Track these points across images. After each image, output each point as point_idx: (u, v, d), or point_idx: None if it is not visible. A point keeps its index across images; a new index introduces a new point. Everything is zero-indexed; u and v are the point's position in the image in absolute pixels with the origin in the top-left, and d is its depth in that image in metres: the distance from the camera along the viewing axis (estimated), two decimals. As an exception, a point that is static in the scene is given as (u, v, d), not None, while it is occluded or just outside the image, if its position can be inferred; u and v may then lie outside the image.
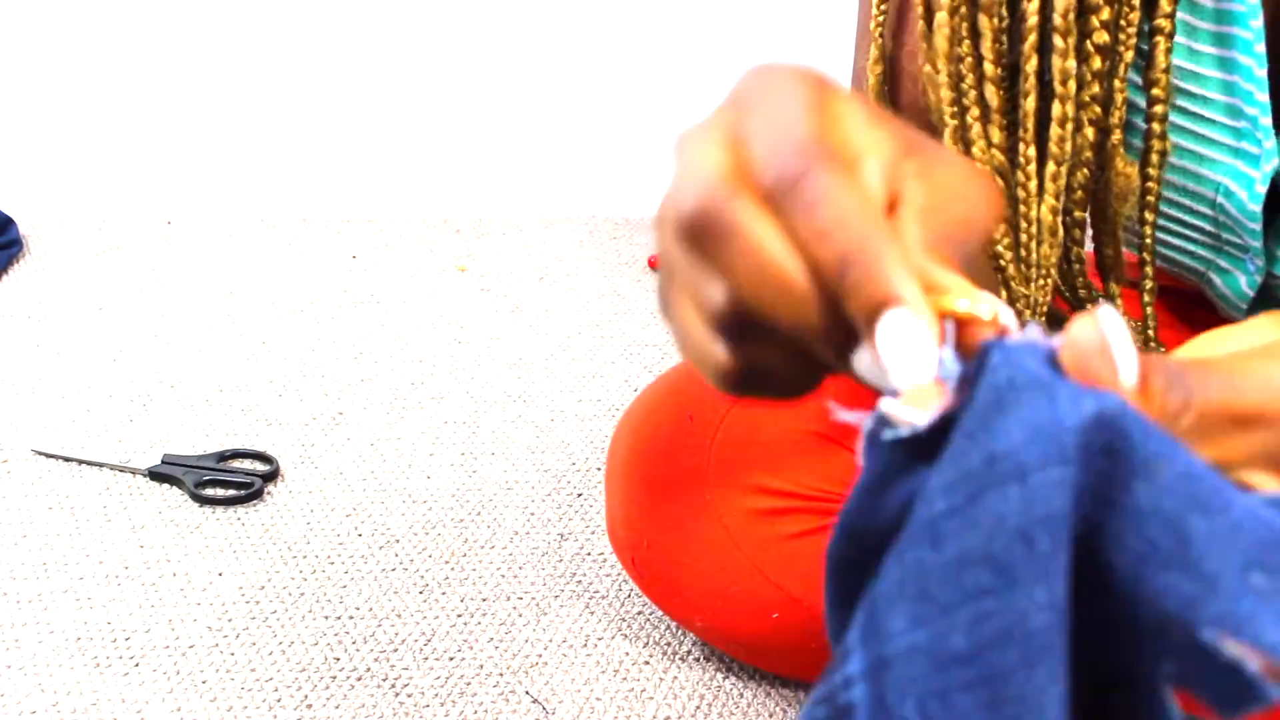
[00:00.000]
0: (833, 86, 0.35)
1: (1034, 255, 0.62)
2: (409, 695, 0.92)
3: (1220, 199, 0.64)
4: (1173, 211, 0.67)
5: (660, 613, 0.99)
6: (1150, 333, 0.70)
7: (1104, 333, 0.29)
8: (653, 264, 1.54)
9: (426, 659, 0.95)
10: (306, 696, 0.91)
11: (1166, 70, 0.59)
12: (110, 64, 1.63)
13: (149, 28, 1.61)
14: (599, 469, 1.16)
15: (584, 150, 1.68)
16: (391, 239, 1.61)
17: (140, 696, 0.91)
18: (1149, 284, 0.67)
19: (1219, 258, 0.68)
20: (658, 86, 1.65)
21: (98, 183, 1.66)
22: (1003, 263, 0.63)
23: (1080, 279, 0.66)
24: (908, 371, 0.30)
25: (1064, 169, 0.60)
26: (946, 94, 0.61)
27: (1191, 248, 0.68)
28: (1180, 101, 0.62)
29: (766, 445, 0.84)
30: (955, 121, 0.62)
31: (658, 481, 0.86)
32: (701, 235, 0.33)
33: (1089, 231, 0.66)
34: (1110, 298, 0.67)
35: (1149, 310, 0.68)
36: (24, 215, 1.60)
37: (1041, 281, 0.63)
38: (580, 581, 1.03)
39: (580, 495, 1.13)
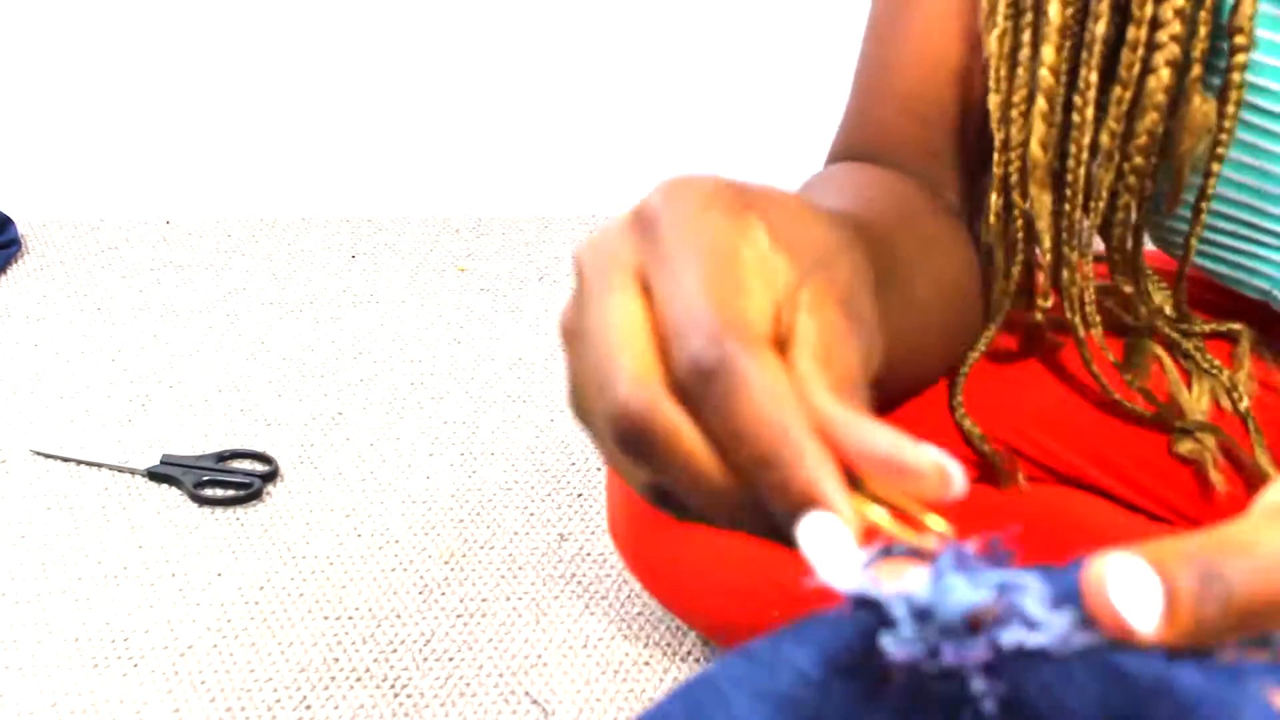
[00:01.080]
0: (738, 211, 0.36)
1: (1080, 180, 0.62)
2: (408, 696, 0.91)
3: None
4: (1244, 215, 0.66)
5: (660, 612, 0.99)
6: (1169, 310, 0.70)
7: (1110, 580, 0.28)
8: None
9: (426, 659, 0.95)
10: (305, 697, 0.91)
11: (1251, 17, 0.58)
12: (109, 64, 1.62)
13: (148, 28, 1.61)
14: (599, 469, 1.16)
15: (584, 150, 1.68)
16: (391, 239, 1.61)
17: (139, 697, 0.91)
18: (1194, 240, 0.65)
19: None
20: (658, 86, 1.65)
21: (96, 182, 1.66)
22: (1061, 188, 0.62)
23: (1121, 235, 0.65)
24: (831, 572, 0.31)
25: (1128, 94, 0.59)
26: None
27: (1264, 252, 0.67)
28: (1255, 99, 0.61)
29: None
30: (1007, 25, 0.61)
31: None
32: (628, 438, 0.34)
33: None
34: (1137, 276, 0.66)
35: (1182, 286, 0.68)
36: (23, 215, 1.60)
37: (1095, 204, 0.63)
38: (580, 581, 1.03)
39: (580, 495, 1.13)
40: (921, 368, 0.66)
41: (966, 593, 0.29)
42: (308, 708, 0.90)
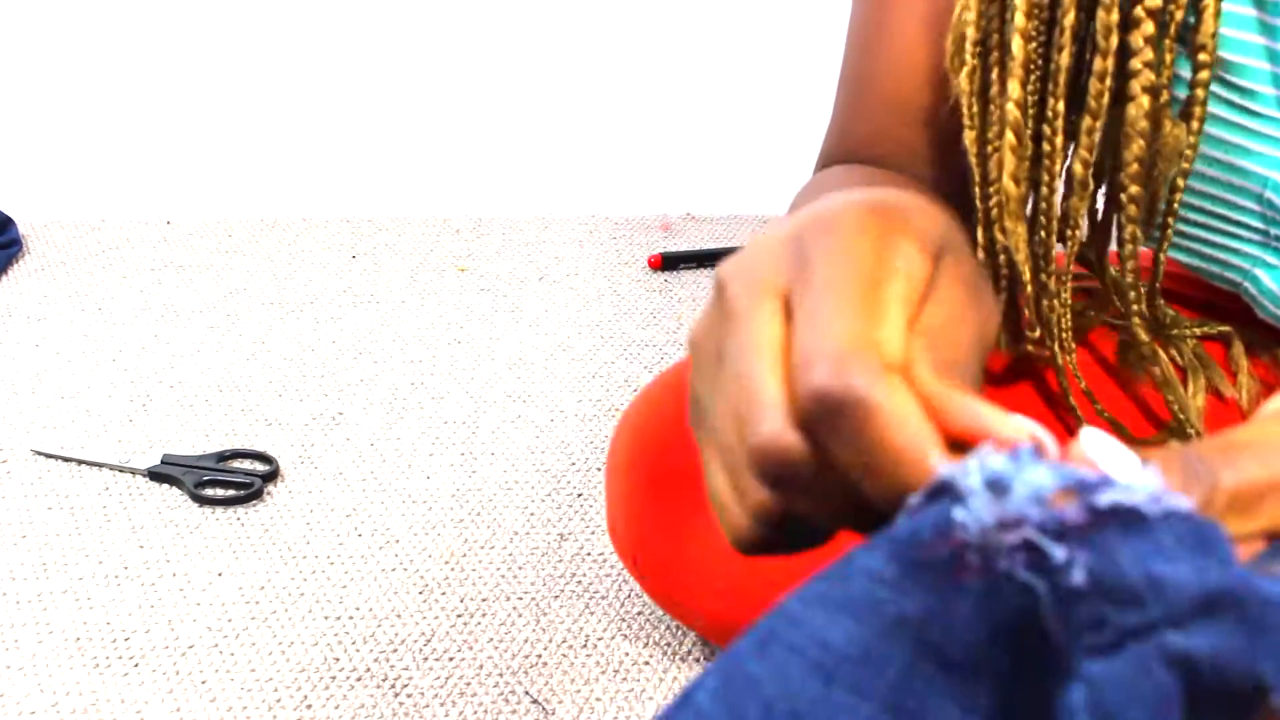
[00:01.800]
0: (888, 231, 0.36)
1: (1053, 209, 0.62)
2: (409, 695, 0.92)
3: (1269, 194, 0.63)
4: (1217, 209, 0.67)
5: (660, 612, 0.99)
6: (1142, 305, 0.70)
7: (1092, 457, 0.29)
8: (653, 264, 1.54)
9: (426, 659, 0.95)
10: (306, 697, 0.91)
11: (1214, 35, 0.58)
12: (110, 64, 1.63)
13: (149, 28, 1.61)
14: (599, 469, 1.16)
15: (584, 150, 1.68)
16: (391, 239, 1.61)
17: (140, 697, 0.91)
18: (1164, 253, 0.66)
19: (1266, 253, 0.68)
20: (658, 87, 1.65)
21: (97, 182, 1.66)
22: (1036, 216, 0.63)
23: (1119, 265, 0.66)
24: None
25: (1099, 124, 0.59)
26: (972, 33, 0.61)
27: (1236, 244, 0.68)
28: (1227, 94, 0.62)
29: None
30: (975, 63, 0.62)
31: (658, 480, 0.86)
32: (772, 469, 0.35)
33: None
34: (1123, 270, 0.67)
35: (1158, 282, 0.68)
36: (23, 215, 1.61)
37: (1073, 232, 0.63)
38: (580, 581, 1.03)
39: (580, 495, 1.13)
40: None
41: (1045, 474, 0.28)
42: (308, 707, 0.90)
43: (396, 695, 0.92)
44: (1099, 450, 0.29)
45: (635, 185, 1.69)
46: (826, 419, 0.33)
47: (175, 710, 0.90)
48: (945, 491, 0.30)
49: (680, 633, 0.98)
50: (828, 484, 0.34)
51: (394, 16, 1.62)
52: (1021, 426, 0.31)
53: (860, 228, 0.36)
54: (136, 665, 0.94)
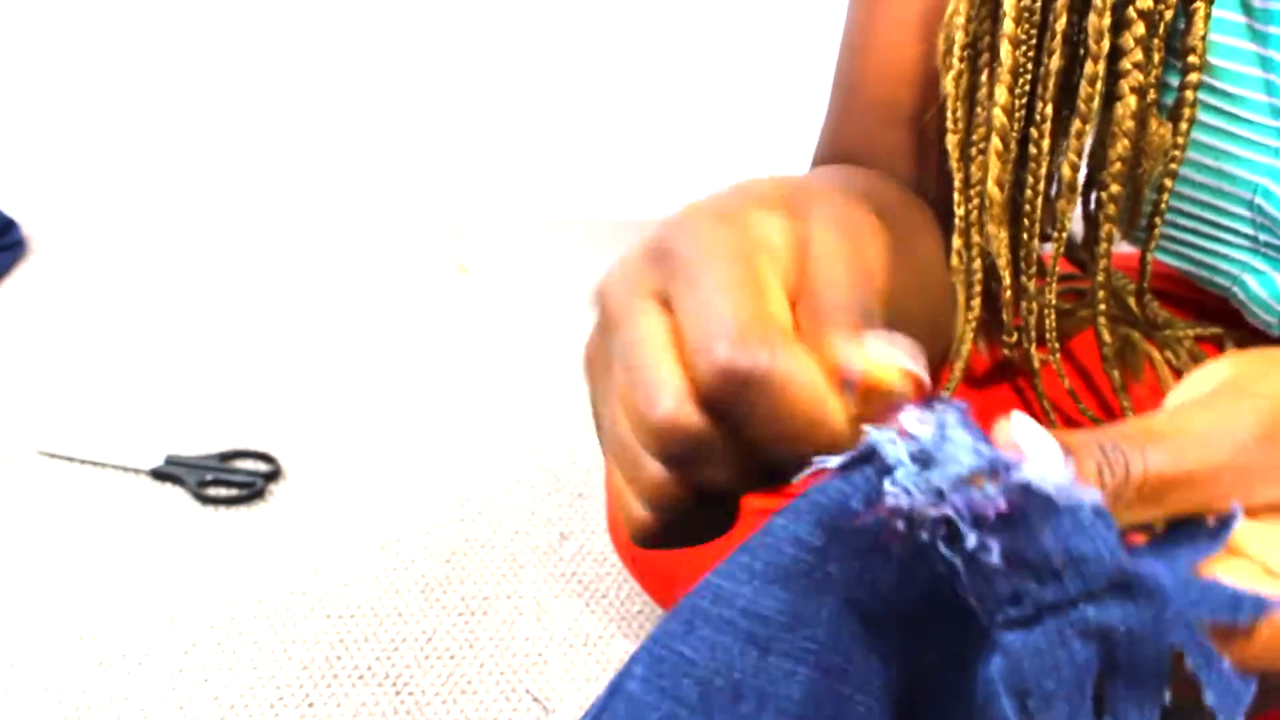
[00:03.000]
0: (746, 215, 0.37)
1: (1037, 211, 0.63)
2: (410, 694, 0.92)
3: (1259, 199, 0.64)
4: (1206, 214, 0.67)
5: (660, 611, 0.99)
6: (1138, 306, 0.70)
7: (1016, 441, 0.30)
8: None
9: (427, 658, 0.95)
10: (308, 695, 0.92)
11: (1204, 38, 0.59)
12: (112, 66, 1.63)
13: (150, 28, 1.62)
14: (599, 469, 1.17)
15: (584, 151, 1.68)
16: (391, 239, 1.62)
17: (143, 695, 0.92)
18: (1150, 254, 0.66)
19: (1254, 259, 0.68)
20: (658, 87, 1.66)
21: (100, 185, 1.67)
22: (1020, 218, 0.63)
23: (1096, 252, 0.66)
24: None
25: (1089, 127, 0.60)
26: (961, 37, 0.61)
27: (1225, 250, 0.68)
28: (1216, 101, 0.62)
29: None
30: (963, 66, 0.62)
31: None
32: (673, 448, 0.35)
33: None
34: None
35: (1145, 288, 0.69)
36: (26, 217, 1.61)
37: (1060, 234, 0.64)
38: (580, 580, 1.03)
39: (580, 495, 1.13)
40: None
41: (971, 450, 0.29)
42: (310, 706, 0.91)
43: (398, 693, 0.92)
44: (1022, 433, 0.30)
45: (635, 186, 1.69)
46: (733, 395, 0.33)
47: (178, 708, 0.90)
48: (869, 458, 0.31)
49: (680, 631, 0.98)
50: (728, 453, 0.35)
51: (394, 18, 1.62)
52: (893, 369, 0.32)
53: (716, 214, 0.36)
54: (140, 663, 0.94)
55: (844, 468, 0.31)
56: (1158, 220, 0.64)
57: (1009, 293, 0.66)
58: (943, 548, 0.29)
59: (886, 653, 0.31)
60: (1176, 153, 0.61)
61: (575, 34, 1.64)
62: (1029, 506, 0.29)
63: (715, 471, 0.36)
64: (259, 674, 0.94)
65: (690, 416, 0.34)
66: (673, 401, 0.34)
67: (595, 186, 1.69)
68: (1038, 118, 0.61)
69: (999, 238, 0.64)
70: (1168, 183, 0.63)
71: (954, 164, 0.63)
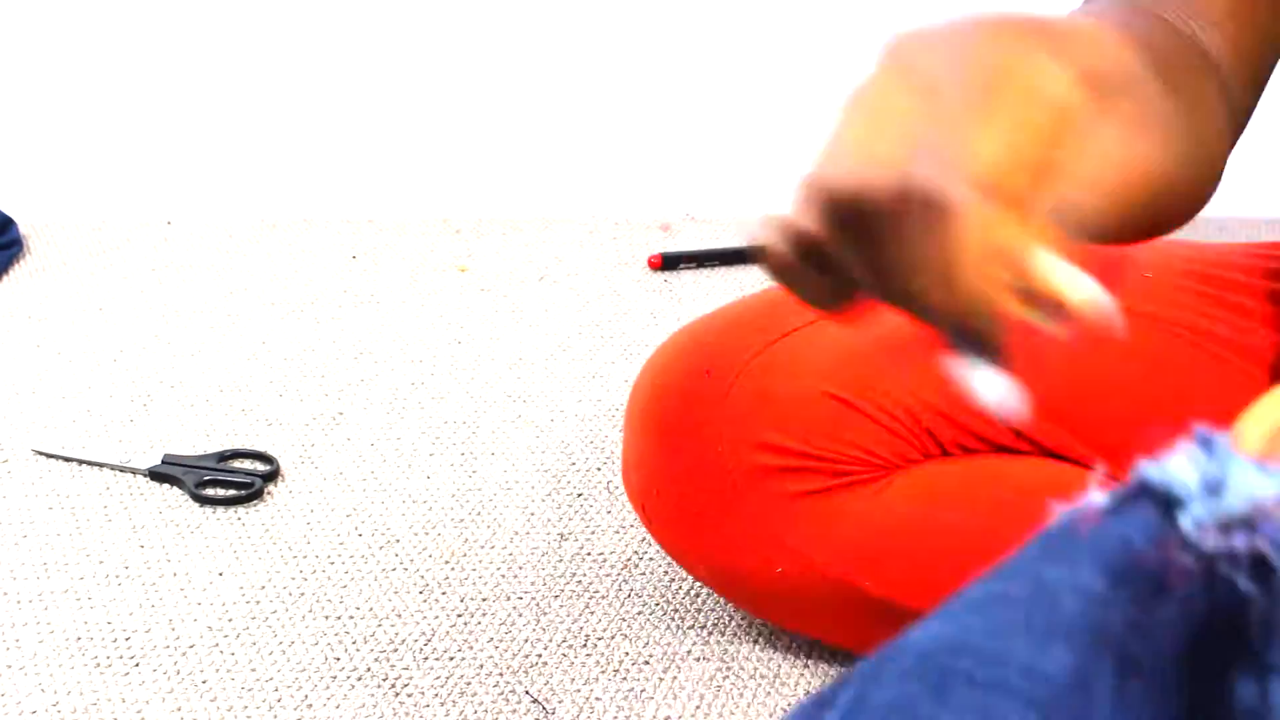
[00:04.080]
0: (1029, 41, 0.36)
1: None
2: (409, 695, 0.92)
3: None
4: None
5: (660, 612, 0.99)
6: None
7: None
8: (653, 264, 1.54)
9: (426, 659, 0.95)
10: (307, 696, 0.91)
11: None
12: (110, 64, 1.63)
13: (149, 28, 1.61)
14: (599, 469, 1.16)
15: (584, 150, 1.68)
16: (391, 239, 1.61)
17: (140, 696, 0.91)
18: None
19: None
20: (658, 87, 1.66)
21: (98, 183, 1.66)
22: None
23: None
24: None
25: None
26: None
27: None
28: None
29: (780, 403, 0.84)
30: None
31: (671, 431, 0.87)
32: (849, 211, 0.35)
33: None
34: None
35: None
36: (24, 215, 1.61)
37: None
38: (580, 581, 1.03)
39: (580, 495, 1.13)
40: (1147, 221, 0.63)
41: (1258, 477, 0.27)
42: (309, 707, 0.91)
43: (397, 695, 0.92)
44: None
45: (635, 185, 1.69)
46: (906, 208, 0.34)
47: (176, 710, 0.90)
48: (1146, 493, 0.29)
49: (680, 633, 0.98)
50: (877, 253, 0.35)
51: (394, 17, 1.62)
52: (1086, 292, 0.32)
53: (1016, 41, 0.36)
54: (137, 665, 0.94)
55: (1116, 506, 0.29)
56: None
57: None
58: (1243, 580, 0.27)
59: (1159, 712, 0.29)
60: None
61: (575, 34, 1.63)
62: None
63: (855, 250, 0.36)
64: (257, 675, 0.93)
65: (863, 190, 0.35)
66: (854, 170, 0.35)
67: (595, 186, 1.69)
68: None
69: None
70: None
71: None
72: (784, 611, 0.91)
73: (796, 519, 0.84)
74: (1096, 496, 0.29)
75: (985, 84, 0.35)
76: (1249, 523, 0.27)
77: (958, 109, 0.34)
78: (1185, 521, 0.27)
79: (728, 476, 0.85)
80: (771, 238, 0.38)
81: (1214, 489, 0.28)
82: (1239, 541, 0.27)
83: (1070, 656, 0.27)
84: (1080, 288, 0.32)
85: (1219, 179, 0.60)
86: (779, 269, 0.39)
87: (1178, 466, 0.28)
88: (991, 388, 0.33)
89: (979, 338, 0.33)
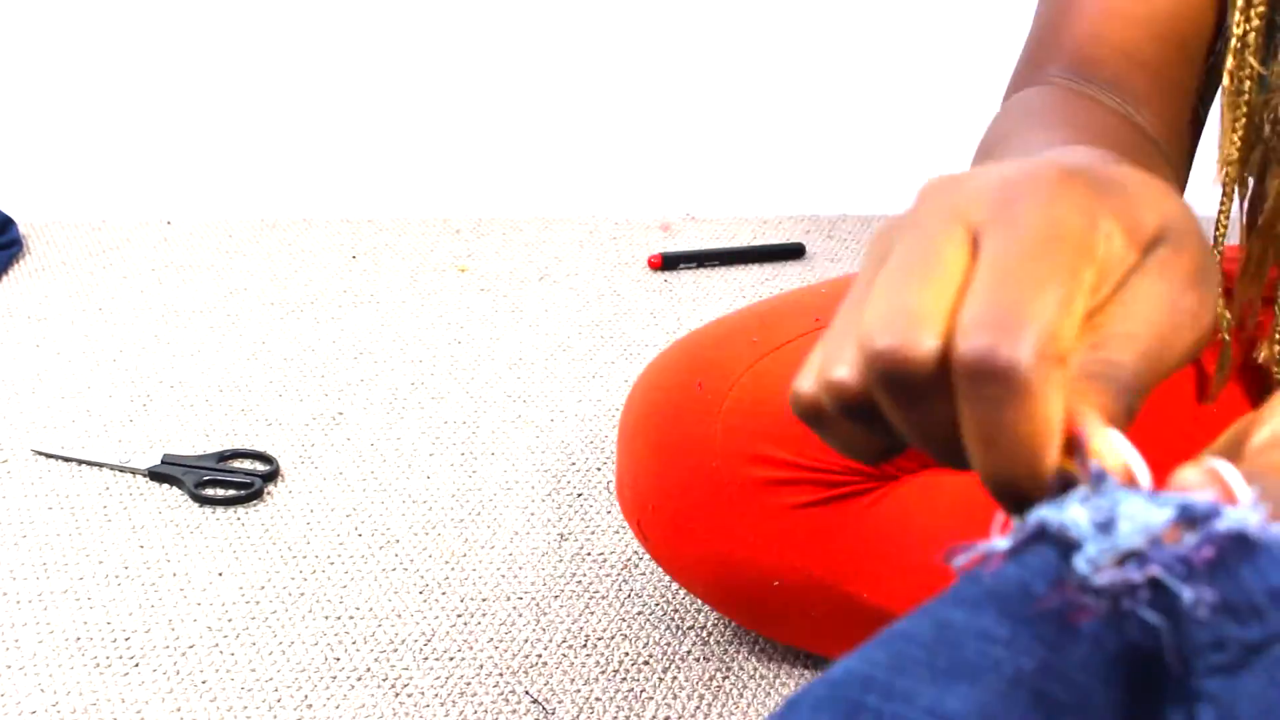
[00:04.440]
0: (1093, 196, 0.34)
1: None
2: (409, 695, 0.92)
3: None
4: None
5: (660, 612, 0.99)
6: None
7: (1219, 477, 0.29)
8: (653, 264, 1.54)
9: (426, 659, 0.95)
10: (307, 696, 0.91)
11: None
12: (110, 64, 1.63)
13: (149, 27, 1.61)
14: (599, 469, 1.16)
15: (584, 150, 1.68)
16: (391, 239, 1.61)
17: (140, 696, 0.91)
18: None
19: None
20: (657, 87, 1.66)
21: (97, 182, 1.66)
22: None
23: None
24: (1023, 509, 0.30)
25: None
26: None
27: None
28: None
29: (774, 416, 0.84)
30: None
31: (665, 446, 0.86)
32: (893, 378, 0.33)
33: None
34: None
35: None
36: (24, 215, 1.61)
37: None
38: (580, 581, 1.03)
39: (580, 495, 1.13)
40: None
41: (1149, 508, 0.28)
42: (309, 707, 0.91)
43: (396, 695, 0.92)
44: (1228, 476, 0.29)
45: (635, 185, 1.69)
46: (973, 378, 0.32)
47: (175, 710, 0.90)
48: (1041, 537, 0.29)
49: (680, 633, 0.98)
50: (931, 410, 0.33)
51: (394, 17, 1.62)
52: (1120, 458, 0.31)
53: (1068, 192, 0.34)
54: (137, 665, 0.94)
55: (1014, 550, 0.30)
56: None
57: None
58: (1147, 611, 0.28)
59: None
60: None
61: (575, 34, 1.63)
62: (1229, 549, 0.28)
63: (905, 413, 0.34)
64: (257, 675, 0.93)
65: (916, 353, 0.32)
66: (906, 333, 0.32)
67: (595, 186, 1.69)
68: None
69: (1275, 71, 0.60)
70: None
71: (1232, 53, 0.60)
72: (782, 625, 0.91)
73: (793, 531, 0.84)
74: (998, 541, 0.30)
75: (1040, 239, 0.33)
76: (1141, 555, 0.28)
77: (1026, 269, 0.32)
78: (1079, 562, 0.28)
79: (722, 490, 0.85)
80: (816, 392, 0.36)
81: (1105, 526, 0.28)
82: (1133, 574, 0.28)
83: (976, 696, 0.28)
84: (1116, 454, 0.31)
85: None
86: (823, 423, 0.37)
87: (1071, 508, 0.29)
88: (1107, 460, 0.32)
89: (1027, 495, 0.32)
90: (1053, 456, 0.31)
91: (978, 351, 0.31)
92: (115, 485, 1.13)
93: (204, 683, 0.92)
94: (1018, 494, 0.32)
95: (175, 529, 1.08)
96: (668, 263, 1.54)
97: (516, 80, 1.65)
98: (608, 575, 1.03)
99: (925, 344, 0.32)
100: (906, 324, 0.33)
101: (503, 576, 1.03)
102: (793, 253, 1.57)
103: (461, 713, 0.90)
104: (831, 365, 0.35)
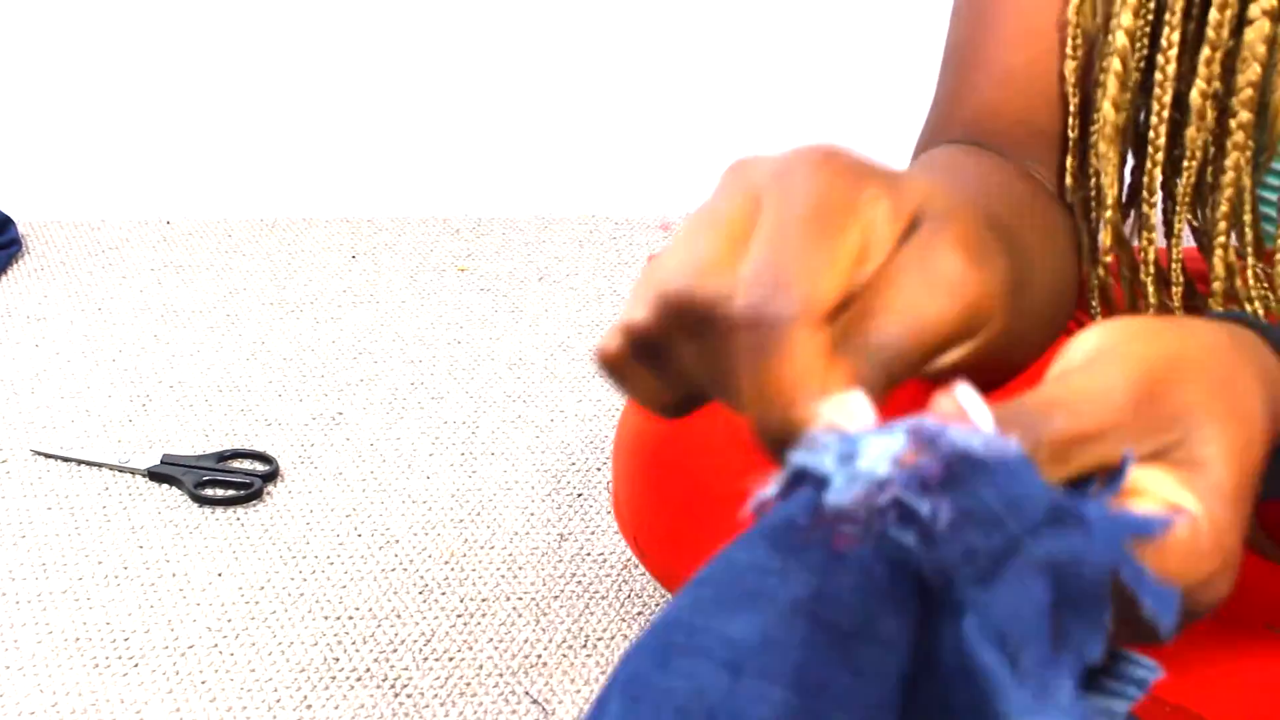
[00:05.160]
0: (863, 176, 0.38)
1: (1160, 138, 0.63)
2: (408, 696, 0.91)
3: None
4: None
5: (661, 606, 0.99)
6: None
7: (961, 404, 0.33)
8: (653, 264, 1.54)
9: (426, 659, 0.95)
10: (306, 697, 0.91)
11: None
12: (109, 63, 1.62)
13: (148, 27, 1.61)
14: (599, 469, 1.16)
15: (584, 150, 1.68)
16: (391, 239, 1.61)
17: (139, 697, 0.91)
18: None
19: None
20: (657, 86, 1.65)
21: (97, 182, 1.66)
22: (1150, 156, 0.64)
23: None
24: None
25: (1218, 55, 0.60)
26: None
27: None
28: None
29: None
30: None
31: (661, 463, 0.86)
32: (674, 308, 0.37)
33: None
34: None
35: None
36: (23, 215, 1.60)
37: (1190, 164, 0.64)
38: (580, 581, 1.03)
39: (580, 495, 1.13)
40: (1023, 358, 0.67)
41: (893, 431, 0.31)
42: (308, 707, 0.90)
43: (396, 695, 0.92)
44: (965, 401, 0.32)
45: (635, 185, 1.68)
46: (744, 330, 0.35)
47: (175, 710, 0.90)
48: (802, 478, 0.32)
49: (680, 633, 0.98)
50: (714, 359, 0.37)
51: (394, 16, 1.62)
52: (858, 415, 0.34)
53: (834, 166, 0.38)
54: (136, 665, 0.94)
55: (782, 493, 0.33)
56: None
57: (1111, 212, 0.65)
58: (894, 529, 0.31)
59: (862, 667, 0.32)
60: None
61: (575, 33, 1.63)
62: (963, 466, 0.31)
63: (688, 356, 0.38)
64: (256, 676, 0.93)
65: (705, 297, 0.36)
66: (700, 278, 0.36)
67: (595, 185, 1.69)
68: (1164, 43, 0.61)
69: (1109, 158, 0.64)
70: None
71: (1070, 89, 0.64)
72: None
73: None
74: (769, 486, 0.33)
75: (822, 212, 0.36)
76: (884, 482, 0.31)
77: (796, 232, 0.36)
78: (831, 493, 0.31)
79: (718, 505, 0.85)
80: (612, 338, 0.40)
81: (847, 458, 0.31)
82: (876, 496, 0.31)
83: (758, 622, 0.32)
84: (854, 415, 0.34)
85: (1074, 303, 0.67)
86: (614, 367, 0.40)
87: (821, 447, 0.32)
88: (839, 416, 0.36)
89: (788, 443, 0.35)
90: (807, 407, 0.34)
91: (749, 305, 0.35)
92: (114, 485, 1.13)
93: (203, 683, 0.92)
94: (780, 442, 0.35)
95: (175, 529, 1.08)
96: (668, 262, 1.53)
97: (516, 80, 1.65)
98: (608, 575, 1.03)
99: (709, 285, 0.36)
100: (695, 269, 0.36)
101: (503, 576, 1.03)
102: (793, 252, 1.57)
103: (461, 713, 0.90)
104: (629, 310, 0.39)
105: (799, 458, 0.32)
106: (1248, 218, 0.66)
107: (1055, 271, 0.64)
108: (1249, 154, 0.63)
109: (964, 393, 0.33)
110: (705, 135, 1.67)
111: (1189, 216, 0.67)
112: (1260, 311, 0.69)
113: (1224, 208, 0.65)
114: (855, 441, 0.31)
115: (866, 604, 0.32)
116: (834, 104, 1.61)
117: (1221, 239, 0.66)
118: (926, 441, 0.31)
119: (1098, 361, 0.36)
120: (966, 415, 0.32)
